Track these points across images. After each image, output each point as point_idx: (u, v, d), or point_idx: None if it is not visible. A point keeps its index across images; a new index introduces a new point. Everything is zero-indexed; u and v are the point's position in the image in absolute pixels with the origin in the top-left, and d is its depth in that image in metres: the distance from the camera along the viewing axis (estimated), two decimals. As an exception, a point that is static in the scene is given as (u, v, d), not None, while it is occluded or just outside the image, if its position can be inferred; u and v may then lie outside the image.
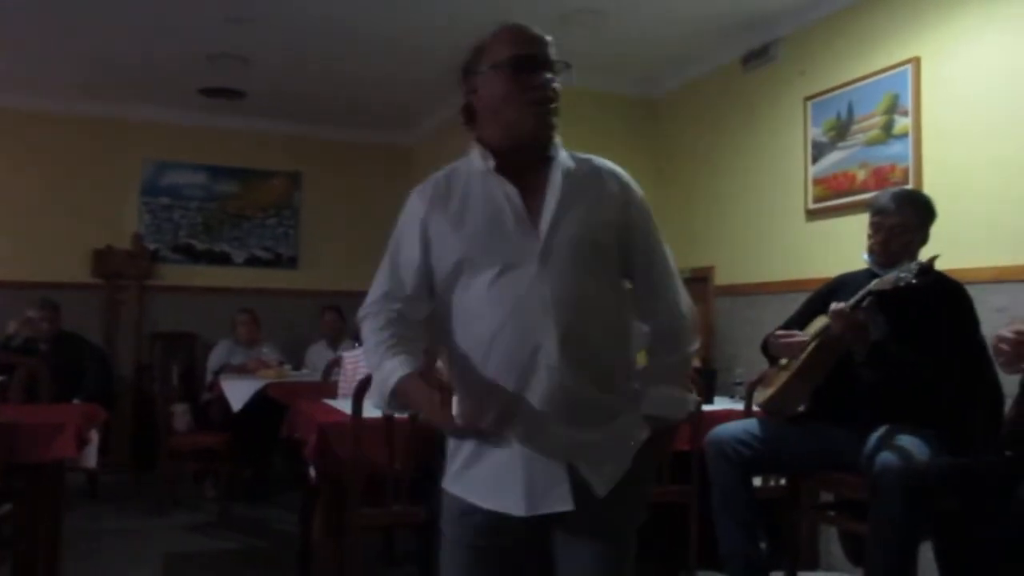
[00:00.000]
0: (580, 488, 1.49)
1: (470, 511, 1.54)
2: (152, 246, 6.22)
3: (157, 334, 6.09)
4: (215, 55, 4.92)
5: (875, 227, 2.74)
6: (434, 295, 1.60)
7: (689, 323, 1.65)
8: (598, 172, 1.62)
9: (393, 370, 1.53)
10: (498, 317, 1.48)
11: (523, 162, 1.57)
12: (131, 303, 6.09)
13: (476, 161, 1.60)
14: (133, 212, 6.20)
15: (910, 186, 3.39)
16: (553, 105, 1.56)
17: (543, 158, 1.59)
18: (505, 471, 1.50)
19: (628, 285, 1.64)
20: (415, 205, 1.61)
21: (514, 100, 1.54)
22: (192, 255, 6.36)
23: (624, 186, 1.62)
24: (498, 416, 1.45)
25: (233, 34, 4.56)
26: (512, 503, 1.49)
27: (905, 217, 2.69)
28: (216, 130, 6.35)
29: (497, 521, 1.51)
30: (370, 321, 1.60)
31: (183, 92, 5.67)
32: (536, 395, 1.47)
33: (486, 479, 1.52)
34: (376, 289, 1.63)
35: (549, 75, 1.55)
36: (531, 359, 1.46)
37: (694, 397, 1.78)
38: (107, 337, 5.95)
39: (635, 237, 1.61)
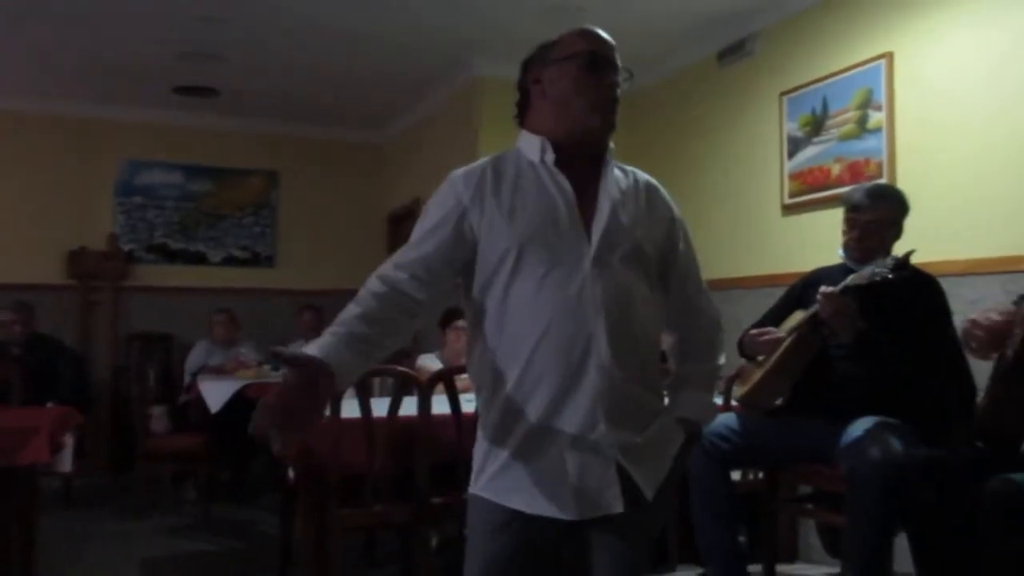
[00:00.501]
0: (628, 490, 1.48)
1: (508, 518, 1.49)
2: (127, 246, 6.15)
3: (133, 335, 6.04)
4: (189, 53, 4.88)
5: (850, 223, 2.75)
6: (453, 277, 1.55)
7: (722, 335, 1.73)
8: (646, 186, 1.66)
9: (313, 345, 1.40)
10: (548, 314, 1.46)
11: (578, 160, 1.57)
12: (106, 304, 6.03)
13: (529, 152, 1.58)
14: (107, 212, 6.13)
15: (884, 180, 3.42)
16: (617, 108, 1.57)
17: (595, 160, 1.60)
18: (554, 473, 1.47)
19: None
20: (457, 187, 1.55)
21: (584, 95, 1.55)
22: (168, 255, 6.30)
23: (668, 203, 1.68)
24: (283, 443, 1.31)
25: (206, 32, 4.52)
26: (562, 507, 1.47)
27: (879, 212, 2.70)
28: (191, 129, 6.30)
29: (538, 525, 1.48)
30: (362, 288, 1.52)
31: (157, 91, 5.62)
32: (586, 395, 1.46)
33: (532, 482, 1.48)
34: (389, 260, 1.56)
35: (618, 78, 1.58)
36: (582, 358, 1.46)
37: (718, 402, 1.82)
38: (82, 339, 5.89)
39: (677, 252, 1.67)
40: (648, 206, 1.63)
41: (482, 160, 1.61)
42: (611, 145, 1.62)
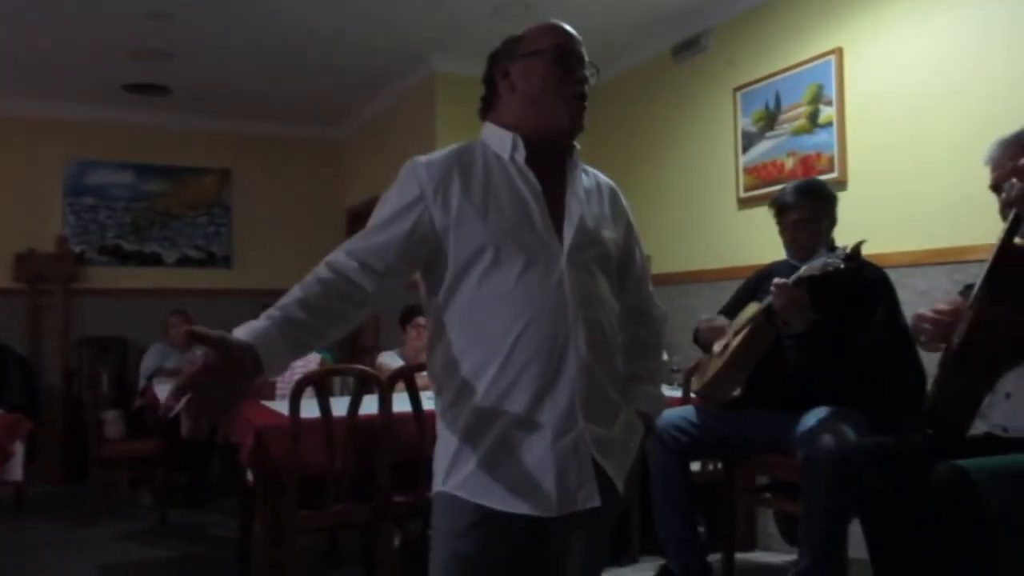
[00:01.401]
0: (601, 483, 1.50)
1: (480, 516, 1.46)
2: (78, 248, 6.01)
3: (85, 339, 5.91)
4: (138, 50, 4.78)
5: (780, 227, 2.86)
6: (409, 271, 1.51)
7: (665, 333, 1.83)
8: (609, 188, 1.69)
9: (243, 327, 1.32)
10: (527, 312, 1.45)
11: (544, 157, 1.56)
12: (56, 308, 5.88)
13: (497, 146, 1.56)
14: (56, 213, 5.98)
15: (835, 174, 3.49)
16: (586, 103, 1.57)
17: (559, 157, 1.59)
18: (533, 471, 1.46)
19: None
20: (420, 176, 1.49)
21: (554, 90, 1.54)
22: (120, 256, 6.17)
23: (626, 207, 1.71)
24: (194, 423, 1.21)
25: (155, 28, 4.43)
26: (543, 504, 1.45)
27: (803, 211, 2.78)
28: (142, 127, 6.17)
29: (510, 523, 1.46)
30: (312, 273, 1.46)
31: (106, 88, 5.50)
32: (565, 392, 1.47)
33: (508, 480, 1.45)
34: (341, 246, 1.49)
35: (586, 73, 1.57)
36: (561, 356, 1.46)
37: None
38: (32, 344, 5.74)
39: (634, 256, 1.71)
40: (611, 209, 1.65)
41: (447, 149, 1.56)
42: (576, 145, 1.61)
